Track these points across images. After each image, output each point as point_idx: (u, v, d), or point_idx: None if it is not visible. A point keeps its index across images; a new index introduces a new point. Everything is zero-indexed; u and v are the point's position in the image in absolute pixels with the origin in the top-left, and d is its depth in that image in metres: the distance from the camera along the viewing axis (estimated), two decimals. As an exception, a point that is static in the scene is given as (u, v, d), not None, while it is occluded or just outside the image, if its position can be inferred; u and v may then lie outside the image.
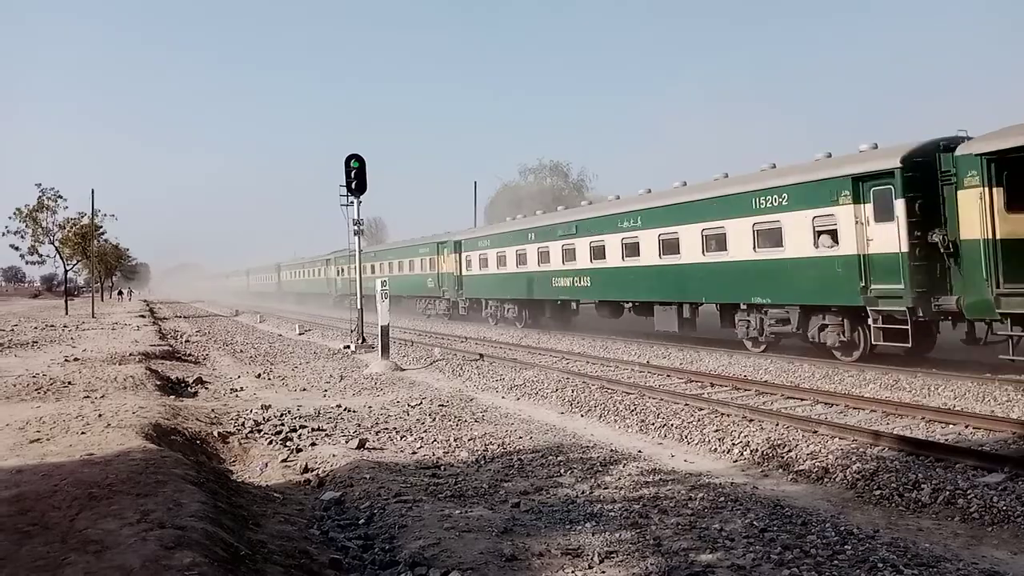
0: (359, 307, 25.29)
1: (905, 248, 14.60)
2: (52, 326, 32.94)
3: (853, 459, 8.63)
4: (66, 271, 51.44)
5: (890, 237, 14.89)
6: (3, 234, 44.41)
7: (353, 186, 24.02)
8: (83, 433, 8.81)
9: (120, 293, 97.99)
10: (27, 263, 48.11)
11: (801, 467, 8.73)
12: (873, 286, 15.26)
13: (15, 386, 13.27)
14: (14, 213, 44.03)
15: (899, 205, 14.71)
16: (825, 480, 8.30)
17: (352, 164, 23.97)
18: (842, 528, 6.51)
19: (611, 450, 9.92)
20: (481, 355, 20.59)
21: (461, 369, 18.49)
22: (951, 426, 10.27)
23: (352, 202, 24.54)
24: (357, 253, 25.40)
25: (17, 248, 45.29)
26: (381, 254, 48.48)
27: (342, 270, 50.60)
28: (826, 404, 12.14)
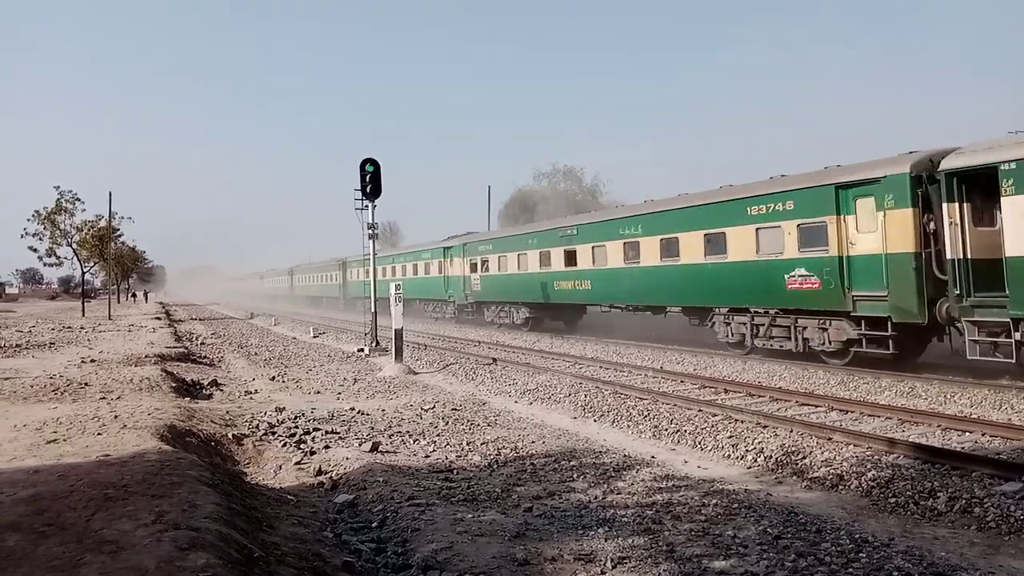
0: (372, 310, 25.38)
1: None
2: (69, 327, 33.20)
3: (868, 466, 8.58)
4: (83, 273, 51.88)
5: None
6: (21, 236, 44.85)
7: (368, 190, 24.12)
8: (99, 434, 8.88)
9: (133, 295, 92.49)
10: (45, 265, 48.60)
11: (815, 474, 8.69)
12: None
13: (32, 387, 13.39)
14: (33, 215, 44.46)
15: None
16: (840, 487, 8.25)
17: (367, 168, 24.06)
18: (857, 536, 6.47)
19: (624, 455, 9.90)
20: (494, 359, 20.58)
21: (474, 373, 18.50)
22: (967, 434, 10.19)
23: (367, 206, 24.65)
24: (372, 256, 25.49)
25: (35, 250, 45.76)
26: (598, 229, 25.99)
27: (477, 265, 34.58)
28: (841, 411, 12.06)
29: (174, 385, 14.90)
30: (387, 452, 10.11)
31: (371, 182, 24.05)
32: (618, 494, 7.96)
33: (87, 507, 5.67)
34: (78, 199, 45.00)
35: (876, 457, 8.99)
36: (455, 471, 9.15)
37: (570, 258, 27.23)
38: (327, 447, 10.39)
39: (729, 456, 9.92)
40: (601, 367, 18.67)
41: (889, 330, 15.51)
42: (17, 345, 23.46)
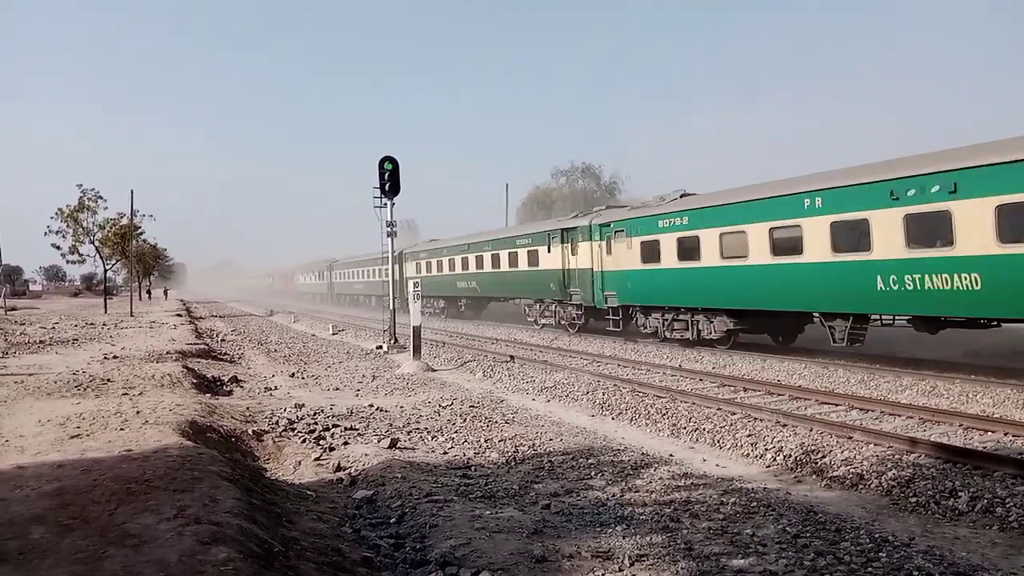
0: (391, 308, 25.48)
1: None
2: (92, 324, 33.55)
3: (888, 466, 8.52)
4: (105, 271, 52.29)
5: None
6: (45, 234, 45.29)
7: (387, 188, 24.20)
8: (122, 429, 8.99)
9: (148, 292, 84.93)
10: (68, 262, 48.83)
11: (835, 473, 8.63)
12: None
13: (56, 383, 13.55)
14: (56, 213, 44.87)
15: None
16: (860, 487, 8.20)
17: (385, 166, 24.14)
18: (877, 535, 6.43)
19: (642, 453, 9.89)
20: (512, 357, 20.60)
21: (492, 370, 18.53)
22: (990, 433, 10.09)
23: (386, 204, 24.72)
24: (390, 254, 25.59)
25: (58, 248, 46.08)
26: None
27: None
28: (861, 410, 11.98)
29: (195, 381, 15.03)
30: (406, 449, 10.16)
31: (390, 180, 24.13)
32: (636, 492, 7.96)
33: (110, 501, 5.75)
34: (100, 197, 45.39)
35: (897, 456, 8.93)
36: (473, 468, 9.18)
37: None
38: (346, 443, 10.45)
39: (748, 455, 9.88)
40: (619, 365, 18.63)
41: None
42: (41, 341, 23.77)
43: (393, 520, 6.97)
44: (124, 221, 48.54)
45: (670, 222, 22.00)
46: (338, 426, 11.42)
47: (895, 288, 14.99)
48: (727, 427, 11.06)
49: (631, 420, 12.34)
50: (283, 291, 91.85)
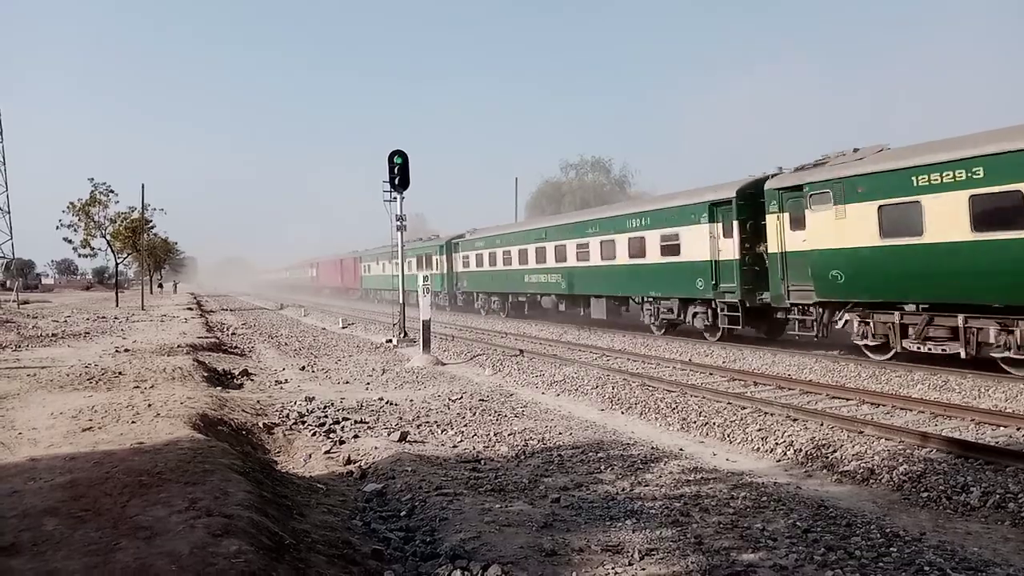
0: (400, 302, 25.52)
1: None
2: (103, 317, 33.67)
3: (900, 460, 8.49)
4: (117, 264, 52.51)
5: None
6: (57, 227, 45.48)
7: (396, 182, 24.20)
8: (133, 422, 9.03)
9: (160, 285, 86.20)
10: (79, 256, 48.97)
11: (846, 468, 8.61)
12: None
13: (68, 375, 13.61)
14: (68, 207, 45.06)
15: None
16: (871, 481, 8.17)
17: (395, 160, 24.13)
18: (888, 530, 6.41)
19: (652, 448, 9.88)
20: (521, 351, 20.61)
21: (501, 364, 18.54)
22: (1002, 428, 10.03)
23: (395, 198, 24.73)
24: (400, 249, 25.61)
25: (70, 241, 46.28)
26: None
27: None
28: (872, 404, 11.93)
29: (206, 374, 15.09)
30: (415, 442, 10.18)
31: (399, 174, 24.13)
32: (646, 486, 7.95)
33: (122, 493, 5.78)
34: (112, 191, 45.56)
35: (908, 451, 8.88)
36: (482, 461, 9.19)
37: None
38: (356, 436, 10.48)
39: (758, 449, 9.86)
40: (629, 359, 18.62)
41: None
42: (53, 335, 23.89)
43: (403, 513, 6.99)
44: (135, 215, 48.72)
45: None
46: (348, 419, 11.46)
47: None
48: (737, 421, 11.04)
49: (641, 414, 12.33)
50: (338, 288, 69.26)
